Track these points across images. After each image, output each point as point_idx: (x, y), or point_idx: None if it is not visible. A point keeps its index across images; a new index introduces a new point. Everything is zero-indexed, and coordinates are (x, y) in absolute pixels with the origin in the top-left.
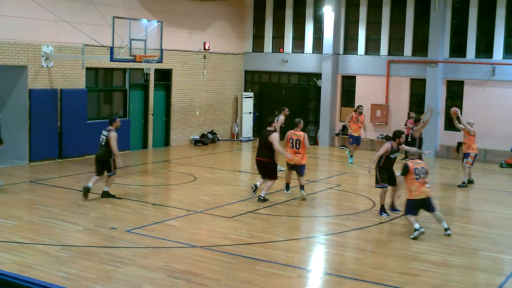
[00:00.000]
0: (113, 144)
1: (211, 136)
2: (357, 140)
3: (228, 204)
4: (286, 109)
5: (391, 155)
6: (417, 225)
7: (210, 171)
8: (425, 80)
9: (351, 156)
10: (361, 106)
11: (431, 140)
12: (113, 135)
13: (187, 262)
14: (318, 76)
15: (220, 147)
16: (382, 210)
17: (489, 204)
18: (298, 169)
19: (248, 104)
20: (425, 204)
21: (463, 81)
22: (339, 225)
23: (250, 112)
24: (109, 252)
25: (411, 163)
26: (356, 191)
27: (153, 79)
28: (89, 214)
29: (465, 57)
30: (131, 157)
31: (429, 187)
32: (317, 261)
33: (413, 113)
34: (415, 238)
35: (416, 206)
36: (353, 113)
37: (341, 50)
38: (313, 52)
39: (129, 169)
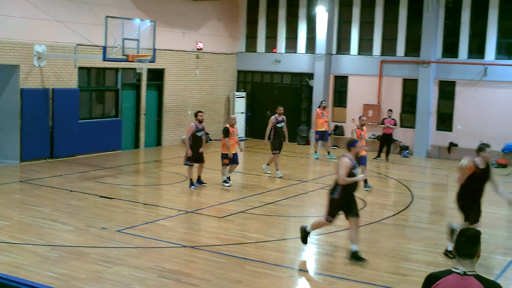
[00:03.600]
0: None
1: None
2: (323, 136)
3: (219, 204)
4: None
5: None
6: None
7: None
8: (417, 80)
9: (316, 152)
10: (324, 101)
11: (422, 140)
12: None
13: (177, 262)
14: (311, 76)
15: (212, 147)
16: None
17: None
18: None
19: (240, 104)
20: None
21: (455, 82)
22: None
23: (243, 112)
24: (99, 252)
25: None
26: None
27: (145, 79)
28: (79, 214)
29: (457, 57)
30: (123, 157)
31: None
32: (308, 261)
33: (391, 111)
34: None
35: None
36: (317, 109)
37: (334, 50)
38: (306, 52)
39: (120, 168)
